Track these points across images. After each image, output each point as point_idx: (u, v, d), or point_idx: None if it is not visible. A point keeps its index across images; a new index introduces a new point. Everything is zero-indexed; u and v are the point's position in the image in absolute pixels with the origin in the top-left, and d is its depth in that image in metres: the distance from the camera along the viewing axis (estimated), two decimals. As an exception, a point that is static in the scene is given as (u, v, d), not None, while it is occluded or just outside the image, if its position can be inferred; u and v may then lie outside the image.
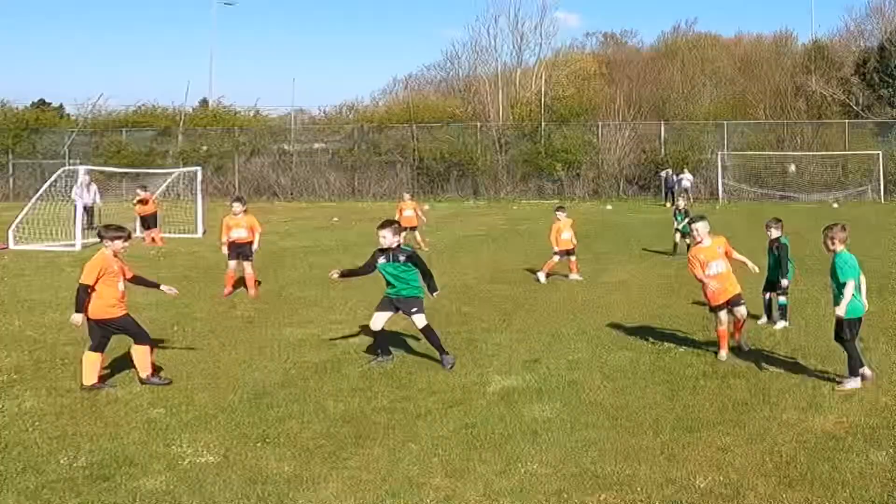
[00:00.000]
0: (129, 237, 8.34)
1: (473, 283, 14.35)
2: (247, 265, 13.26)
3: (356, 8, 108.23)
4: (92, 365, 7.90)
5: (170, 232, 23.39)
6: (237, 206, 13.55)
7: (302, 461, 6.09)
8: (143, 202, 22.07)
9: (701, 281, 8.93)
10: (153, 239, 21.47)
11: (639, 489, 5.54)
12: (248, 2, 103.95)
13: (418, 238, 19.42)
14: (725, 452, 6.17)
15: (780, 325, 10.37)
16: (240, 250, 13.27)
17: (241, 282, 13.42)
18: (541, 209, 34.00)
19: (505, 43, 71.80)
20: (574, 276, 14.60)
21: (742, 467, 5.90)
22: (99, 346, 7.97)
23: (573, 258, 14.78)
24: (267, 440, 6.52)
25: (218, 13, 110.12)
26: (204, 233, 23.23)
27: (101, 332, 8.00)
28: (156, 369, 8.29)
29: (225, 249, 13.41)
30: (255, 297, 13.04)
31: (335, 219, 29.39)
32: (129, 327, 8.13)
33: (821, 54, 45.08)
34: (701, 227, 8.97)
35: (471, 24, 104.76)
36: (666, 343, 9.61)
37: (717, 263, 8.90)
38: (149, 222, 21.92)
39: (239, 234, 13.32)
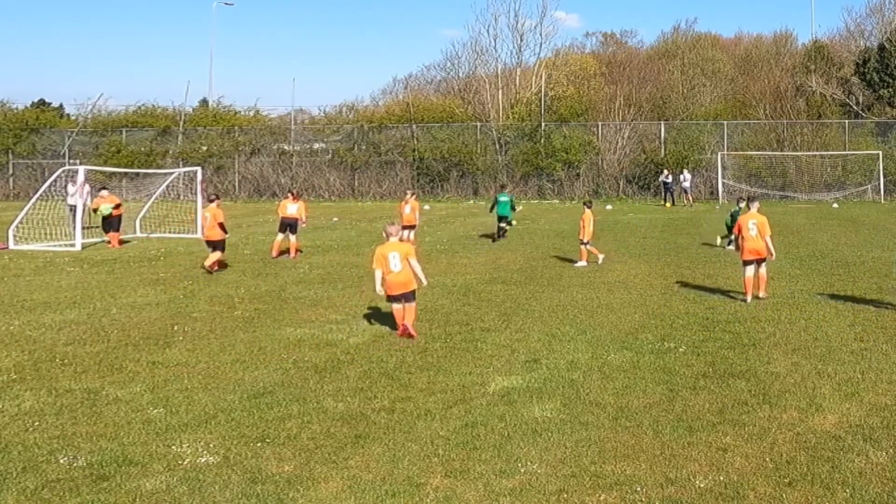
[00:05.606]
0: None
1: (473, 283, 14.34)
2: (293, 237, 18.07)
3: (356, 8, 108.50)
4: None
5: (170, 232, 23.39)
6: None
7: (302, 461, 6.09)
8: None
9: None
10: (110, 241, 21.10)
11: (639, 489, 5.54)
12: (248, 2, 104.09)
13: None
14: (725, 452, 6.17)
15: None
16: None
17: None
18: (540, 209, 34.01)
19: (505, 43, 72.34)
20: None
21: (742, 467, 5.90)
22: None
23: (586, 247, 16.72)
24: (267, 440, 6.51)
25: (218, 13, 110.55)
26: (203, 232, 23.17)
27: None
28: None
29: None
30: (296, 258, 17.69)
31: (335, 219, 29.39)
32: None
33: (821, 54, 45.02)
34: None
35: (471, 24, 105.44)
36: (666, 343, 9.61)
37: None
38: (112, 224, 21.35)
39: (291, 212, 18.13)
